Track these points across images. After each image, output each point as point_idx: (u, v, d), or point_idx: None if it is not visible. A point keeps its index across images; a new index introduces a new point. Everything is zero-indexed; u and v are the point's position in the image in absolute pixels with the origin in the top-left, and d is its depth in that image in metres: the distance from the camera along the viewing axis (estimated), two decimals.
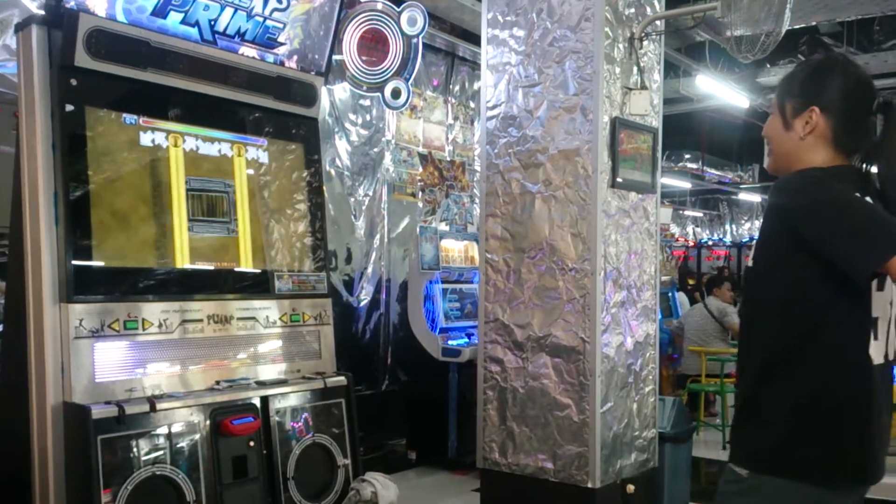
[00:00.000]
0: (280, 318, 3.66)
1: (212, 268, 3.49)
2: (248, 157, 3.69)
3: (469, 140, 7.11)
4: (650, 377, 4.04)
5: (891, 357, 1.92)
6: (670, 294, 8.84)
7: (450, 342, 5.51)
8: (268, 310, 3.62)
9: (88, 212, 3.10)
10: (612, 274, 3.73)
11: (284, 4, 3.77)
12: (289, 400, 3.55)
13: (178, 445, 3.11)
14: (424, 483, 5.41)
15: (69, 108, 3.09)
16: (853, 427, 1.83)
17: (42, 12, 3.18)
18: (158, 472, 3.02)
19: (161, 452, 3.05)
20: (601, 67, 3.65)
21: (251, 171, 3.69)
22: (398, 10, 4.53)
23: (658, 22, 3.99)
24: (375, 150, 6.23)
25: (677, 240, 19.52)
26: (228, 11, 3.59)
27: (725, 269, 16.54)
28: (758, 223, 20.08)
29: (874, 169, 1.92)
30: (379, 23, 4.47)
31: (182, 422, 3.14)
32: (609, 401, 3.71)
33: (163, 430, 3.07)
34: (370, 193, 6.18)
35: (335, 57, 4.17)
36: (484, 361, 4.03)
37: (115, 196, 3.20)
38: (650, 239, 4.03)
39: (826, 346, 1.83)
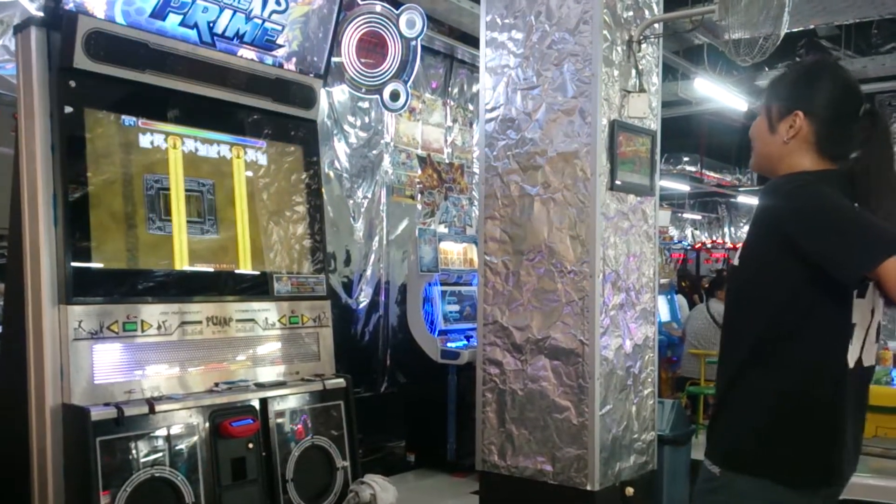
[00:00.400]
0: (279, 320, 3.66)
1: (211, 270, 3.49)
2: (247, 158, 3.69)
3: (468, 142, 7.11)
4: (649, 380, 4.04)
5: (865, 363, 1.92)
6: (669, 297, 8.82)
7: (449, 344, 5.51)
8: (267, 312, 3.61)
9: (87, 213, 3.10)
10: (610, 276, 3.74)
11: (283, 6, 3.77)
12: (288, 402, 3.54)
13: (177, 447, 3.10)
14: (423, 485, 5.41)
15: (68, 109, 3.09)
16: (824, 429, 1.84)
17: (41, 14, 3.18)
18: (157, 474, 3.02)
19: (160, 454, 3.04)
20: (600, 70, 3.65)
21: (250, 173, 3.69)
22: (397, 12, 4.53)
23: (656, 25, 4.00)
24: (374, 152, 6.23)
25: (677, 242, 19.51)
26: (227, 13, 3.60)
27: (724, 271, 16.53)
28: None
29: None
30: (378, 25, 4.48)
31: (181, 423, 3.13)
32: (608, 403, 3.71)
33: (162, 432, 3.06)
34: (369, 195, 6.18)
35: (334, 59, 4.18)
36: (483, 364, 4.03)
37: (113, 198, 3.20)
38: (649, 241, 4.03)
39: (804, 349, 1.84)
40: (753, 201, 19.62)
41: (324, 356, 3.84)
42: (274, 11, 3.75)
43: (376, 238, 6.26)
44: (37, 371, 2.99)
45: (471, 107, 7.10)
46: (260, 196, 3.72)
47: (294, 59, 3.93)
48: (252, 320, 3.55)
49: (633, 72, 3.88)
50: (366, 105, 6.07)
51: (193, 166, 3.48)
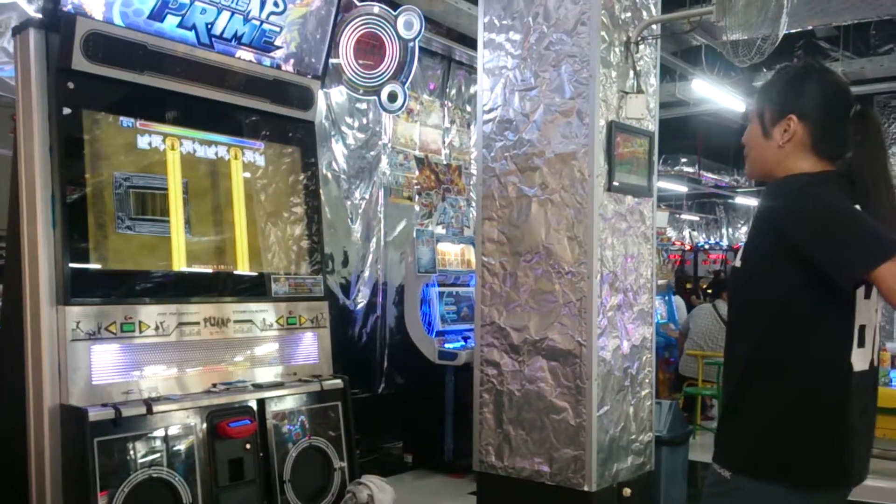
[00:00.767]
0: (276, 321, 3.66)
1: (209, 271, 3.49)
2: (245, 160, 3.69)
3: (465, 143, 7.12)
4: (647, 381, 4.04)
5: (876, 364, 1.93)
6: (667, 298, 8.82)
7: (446, 345, 5.52)
8: (264, 313, 3.62)
9: (86, 214, 3.10)
10: (608, 277, 3.74)
11: (281, 8, 3.77)
12: (285, 403, 3.55)
13: (175, 448, 3.11)
14: (421, 486, 5.41)
15: (66, 111, 3.09)
16: (833, 431, 1.85)
17: (39, 16, 3.18)
18: (155, 475, 3.02)
19: (157, 455, 3.05)
20: (597, 71, 3.66)
21: (248, 174, 3.70)
22: (395, 13, 4.53)
23: (654, 26, 4.00)
24: (372, 153, 6.24)
25: (674, 244, 19.52)
26: (225, 15, 3.60)
27: (722, 272, 16.53)
28: None
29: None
30: (375, 27, 4.47)
31: (178, 424, 3.14)
32: (605, 404, 3.72)
33: (159, 433, 3.07)
34: (367, 197, 6.19)
35: (332, 60, 4.18)
36: (480, 364, 4.03)
37: (111, 199, 3.20)
38: (646, 242, 4.04)
39: (809, 351, 1.84)
40: (751, 202, 19.66)
41: (321, 357, 3.84)
42: (272, 13, 3.75)
43: (374, 239, 6.26)
44: (35, 372, 2.99)
45: (468, 108, 7.10)
46: (258, 197, 3.73)
47: (292, 61, 3.93)
48: (250, 321, 3.56)
49: (631, 73, 3.89)
50: (363, 106, 6.08)
51: (191, 167, 3.48)
